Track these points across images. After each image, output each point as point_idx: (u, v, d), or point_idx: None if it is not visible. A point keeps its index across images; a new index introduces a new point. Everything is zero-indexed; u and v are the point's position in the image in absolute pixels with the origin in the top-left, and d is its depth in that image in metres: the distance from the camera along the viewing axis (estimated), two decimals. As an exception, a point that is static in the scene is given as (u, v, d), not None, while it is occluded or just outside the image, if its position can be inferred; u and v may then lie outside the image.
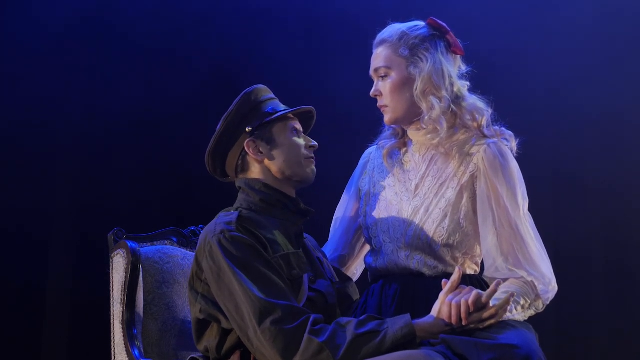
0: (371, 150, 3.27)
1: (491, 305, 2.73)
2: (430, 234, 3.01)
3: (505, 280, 2.95)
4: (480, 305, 2.71)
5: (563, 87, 5.00)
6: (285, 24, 5.12)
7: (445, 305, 2.72)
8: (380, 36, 3.11)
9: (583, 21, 4.97)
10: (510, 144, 3.10)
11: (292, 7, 5.13)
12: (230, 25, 5.12)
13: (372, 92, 3.12)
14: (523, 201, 3.02)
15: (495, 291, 2.74)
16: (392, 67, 3.07)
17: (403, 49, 3.06)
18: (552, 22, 5.01)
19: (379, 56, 3.09)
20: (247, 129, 2.94)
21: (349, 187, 3.26)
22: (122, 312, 3.10)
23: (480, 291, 2.72)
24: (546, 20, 5.01)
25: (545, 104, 5.03)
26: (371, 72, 3.12)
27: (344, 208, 3.25)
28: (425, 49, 3.06)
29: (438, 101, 3.04)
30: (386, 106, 3.09)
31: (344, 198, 3.27)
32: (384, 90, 3.08)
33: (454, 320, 2.71)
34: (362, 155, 3.28)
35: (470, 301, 2.69)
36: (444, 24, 3.10)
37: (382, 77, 3.08)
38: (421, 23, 3.11)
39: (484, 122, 3.08)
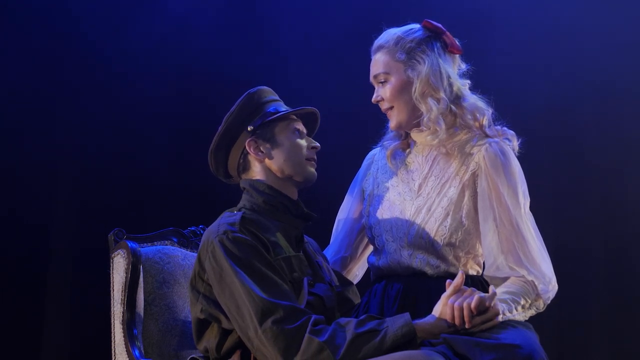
0: (375, 152, 3.27)
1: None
2: (433, 233, 3.01)
3: (505, 279, 2.95)
4: (482, 309, 2.71)
5: (563, 85, 5.00)
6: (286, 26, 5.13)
7: (447, 308, 2.72)
8: (377, 42, 3.12)
9: (582, 20, 4.96)
10: (512, 144, 3.10)
11: (291, 8, 5.13)
12: (234, 25, 5.12)
13: (373, 99, 3.12)
14: (524, 200, 3.02)
15: (496, 295, 2.74)
16: (390, 72, 3.07)
17: (400, 54, 3.07)
18: (553, 21, 5.01)
19: (377, 62, 3.10)
20: (248, 128, 2.94)
21: (352, 189, 3.27)
22: (123, 312, 3.09)
23: (482, 294, 2.72)
24: (548, 19, 5.01)
25: (545, 103, 5.03)
26: (371, 78, 3.13)
27: (347, 209, 3.25)
28: (422, 51, 3.06)
29: (436, 102, 3.04)
30: (390, 109, 3.09)
31: (347, 199, 3.27)
32: (384, 95, 3.09)
33: (456, 322, 2.71)
34: (364, 157, 3.28)
35: (472, 305, 2.69)
36: (440, 25, 3.10)
37: (382, 82, 3.09)
38: (416, 26, 3.11)
39: (485, 122, 3.09)
